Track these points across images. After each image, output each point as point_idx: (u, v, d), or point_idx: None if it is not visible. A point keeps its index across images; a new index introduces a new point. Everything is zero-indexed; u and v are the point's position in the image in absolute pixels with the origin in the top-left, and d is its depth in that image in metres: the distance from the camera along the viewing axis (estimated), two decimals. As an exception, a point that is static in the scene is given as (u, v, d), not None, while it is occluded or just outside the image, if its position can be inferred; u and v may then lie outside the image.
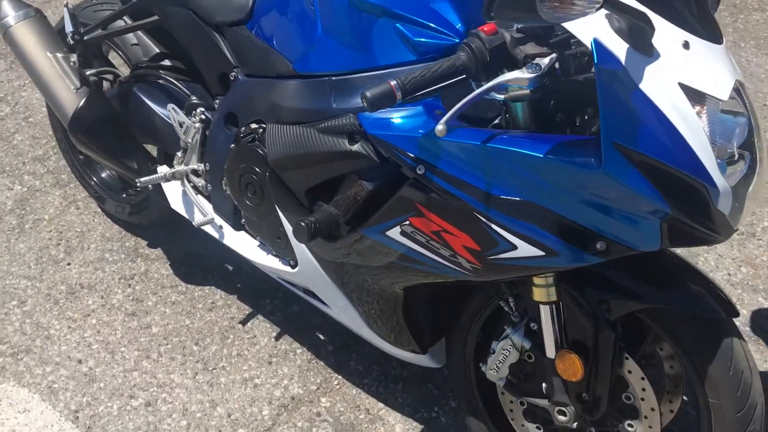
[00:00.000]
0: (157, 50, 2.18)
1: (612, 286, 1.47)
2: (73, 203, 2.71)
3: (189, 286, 2.40)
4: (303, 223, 1.55)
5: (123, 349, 2.20)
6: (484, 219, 1.35)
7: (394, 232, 1.49)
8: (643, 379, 1.51)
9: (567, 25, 1.21)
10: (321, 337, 2.23)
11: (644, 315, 1.47)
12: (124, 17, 2.16)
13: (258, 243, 1.97)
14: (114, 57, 2.45)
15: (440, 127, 1.27)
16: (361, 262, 1.62)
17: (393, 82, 1.24)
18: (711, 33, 1.29)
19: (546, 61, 1.25)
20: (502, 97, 1.32)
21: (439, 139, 1.34)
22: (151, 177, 2.03)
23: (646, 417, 1.53)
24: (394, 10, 1.44)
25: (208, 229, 2.04)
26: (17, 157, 2.92)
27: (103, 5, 2.28)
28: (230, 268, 2.45)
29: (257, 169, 1.77)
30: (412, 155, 1.39)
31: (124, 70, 2.38)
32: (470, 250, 1.40)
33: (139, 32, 2.19)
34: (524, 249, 1.34)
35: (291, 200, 1.69)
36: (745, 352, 1.44)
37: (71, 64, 2.11)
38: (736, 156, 1.27)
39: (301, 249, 1.76)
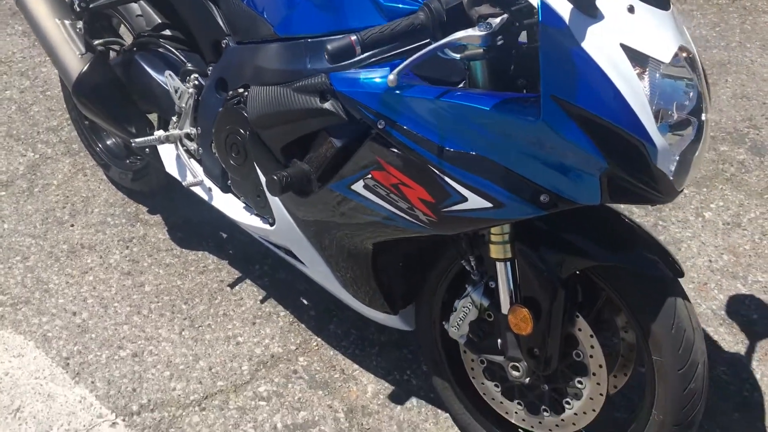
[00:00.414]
0: (159, 20, 2.29)
1: (565, 245, 1.53)
2: (81, 171, 2.84)
3: (183, 250, 2.51)
4: (275, 177, 1.63)
5: (116, 305, 2.31)
6: (437, 171, 1.43)
7: (358, 186, 1.57)
8: (592, 336, 1.56)
9: (513, -17, 1.29)
10: (304, 301, 2.31)
11: (595, 275, 1.53)
12: (130, -13, 2.28)
13: (243, 205, 2.06)
14: (125, 33, 2.57)
15: (391, 77, 1.35)
16: (332, 218, 1.70)
17: (353, 37, 1.33)
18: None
19: (497, 20, 1.32)
20: (458, 55, 1.40)
21: (399, 95, 1.42)
22: (147, 138, 2.13)
23: (594, 374, 1.59)
24: (367, -23, 1.53)
25: (197, 190, 2.13)
26: (33, 126, 3.06)
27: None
28: (224, 235, 2.55)
29: (241, 130, 1.86)
30: (374, 110, 1.47)
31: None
32: (425, 202, 1.47)
33: (142, 3, 2.30)
34: (474, 201, 1.41)
35: (269, 157, 1.78)
36: (688, 312, 1.49)
37: (77, 30, 2.22)
38: (676, 118, 1.32)
39: (277, 206, 1.85)
